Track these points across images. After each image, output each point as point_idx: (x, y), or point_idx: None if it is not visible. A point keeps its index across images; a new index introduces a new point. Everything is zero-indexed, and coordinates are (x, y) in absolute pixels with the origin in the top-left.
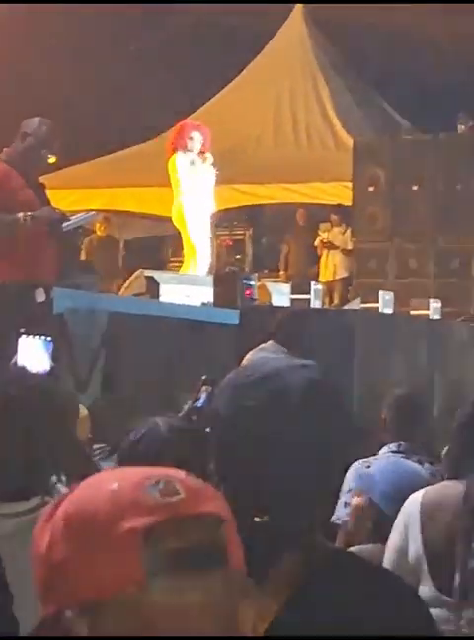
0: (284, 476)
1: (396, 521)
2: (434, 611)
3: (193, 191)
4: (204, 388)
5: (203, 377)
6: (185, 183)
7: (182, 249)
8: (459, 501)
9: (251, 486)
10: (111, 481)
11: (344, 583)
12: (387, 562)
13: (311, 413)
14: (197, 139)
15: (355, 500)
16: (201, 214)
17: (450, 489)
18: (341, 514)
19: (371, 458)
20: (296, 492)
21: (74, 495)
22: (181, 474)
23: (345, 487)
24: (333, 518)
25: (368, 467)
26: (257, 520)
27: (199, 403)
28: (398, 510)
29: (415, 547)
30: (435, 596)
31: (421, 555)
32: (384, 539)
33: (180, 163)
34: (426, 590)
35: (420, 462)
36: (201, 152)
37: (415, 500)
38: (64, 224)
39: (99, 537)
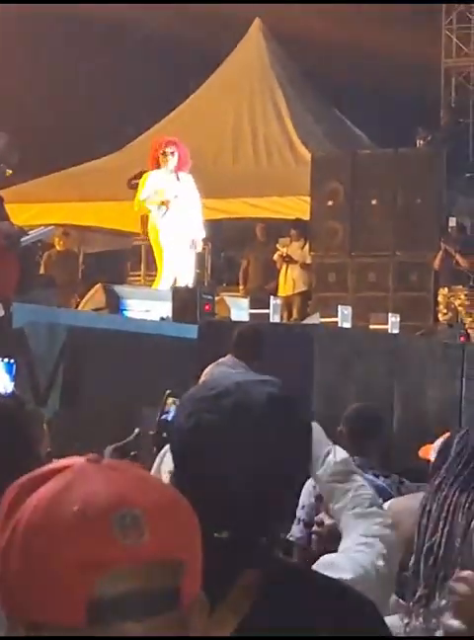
0: (244, 491)
1: None
2: (391, 619)
3: (171, 206)
4: (171, 400)
5: (168, 391)
6: (162, 199)
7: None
8: None
9: (210, 501)
10: (80, 497)
11: (301, 598)
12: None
13: (271, 428)
14: (168, 154)
15: (320, 518)
16: (179, 230)
17: (412, 500)
18: (294, 531)
19: None
20: (255, 507)
21: (40, 503)
22: (154, 493)
23: (299, 503)
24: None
25: None
26: (216, 535)
27: (169, 417)
28: None
29: None
30: (394, 601)
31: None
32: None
33: (153, 181)
34: (392, 600)
35: (375, 476)
36: (179, 169)
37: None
38: (23, 239)
39: (52, 562)
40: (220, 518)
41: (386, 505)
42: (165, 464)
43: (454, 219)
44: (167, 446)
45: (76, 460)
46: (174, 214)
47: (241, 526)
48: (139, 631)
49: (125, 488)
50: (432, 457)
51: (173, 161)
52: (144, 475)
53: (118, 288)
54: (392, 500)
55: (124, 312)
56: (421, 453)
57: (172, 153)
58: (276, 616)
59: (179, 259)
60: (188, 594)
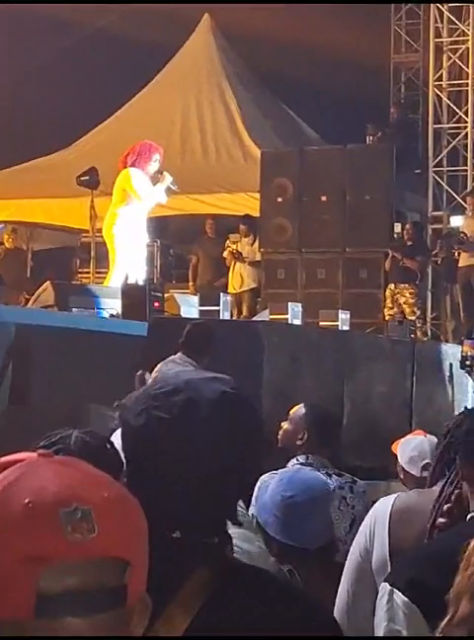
0: (194, 490)
1: (362, 525)
2: None
3: (137, 209)
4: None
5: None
6: (131, 198)
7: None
8: (429, 510)
9: (161, 500)
10: (29, 490)
11: (251, 596)
12: (350, 565)
13: (222, 425)
14: (156, 161)
15: None
16: (137, 231)
17: (424, 496)
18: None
19: (280, 471)
20: (206, 506)
21: None
22: (104, 491)
23: (253, 501)
24: None
25: None
26: (168, 534)
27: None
28: (294, 535)
29: (381, 551)
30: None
31: (386, 563)
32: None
33: (140, 182)
34: None
35: (328, 474)
36: (159, 172)
37: (386, 504)
38: None
39: (0, 556)
40: (171, 517)
41: (392, 497)
42: None
43: (399, 225)
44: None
45: (27, 455)
46: (135, 214)
47: (192, 526)
48: (83, 628)
49: (76, 484)
50: (398, 453)
51: (155, 167)
52: (95, 472)
53: (66, 286)
54: (400, 493)
55: (101, 311)
56: (393, 448)
57: (157, 161)
58: (227, 615)
59: (133, 259)
60: (133, 592)
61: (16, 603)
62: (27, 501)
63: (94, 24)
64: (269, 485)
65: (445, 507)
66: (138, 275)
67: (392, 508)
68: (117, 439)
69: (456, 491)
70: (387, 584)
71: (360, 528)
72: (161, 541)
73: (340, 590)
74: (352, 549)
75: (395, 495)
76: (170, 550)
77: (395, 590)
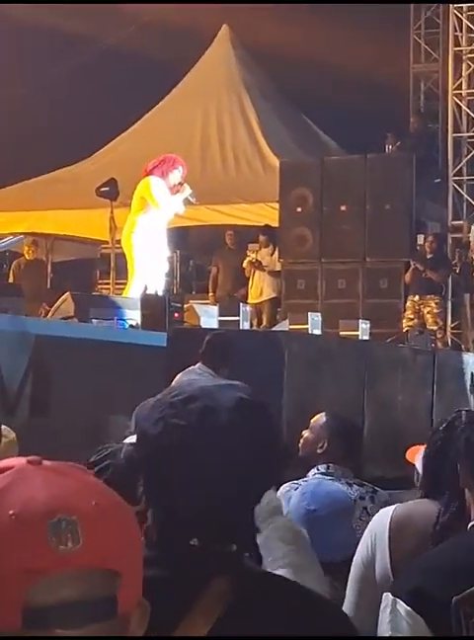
0: (212, 498)
1: (364, 536)
2: None
3: (156, 218)
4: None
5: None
6: (152, 209)
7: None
8: (429, 519)
9: (179, 508)
10: (16, 501)
11: (270, 605)
12: (353, 577)
13: (240, 431)
14: (179, 173)
15: None
16: (156, 241)
17: (421, 506)
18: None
19: (300, 480)
20: (224, 514)
21: None
22: (92, 499)
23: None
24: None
25: (296, 489)
26: (191, 542)
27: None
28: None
29: (382, 564)
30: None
31: (388, 574)
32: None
33: (159, 188)
34: None
35: (349, 484)
36: (180, 184)
37: (385, 514)
38: None
39: None
40: (189, 524)
41: (391, 508)
42: None
43: (422, 236)
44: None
45: (17, 462)
46: (154, 223)
47: (209, 533)
48: (79, 634)
49: (65, 492)
50: (416, 463)
51: (176, 178)
52: (86, 479)
53: (87, 297)
54: (399, 504)
55: (123, 323)
56: (408, 456)
57: (180, 173)
58: (247, 623)
59: (152, 268)
60: (125, 603)
61: (3, 616)
62: (11, 512)
63: (113, 37)
64: (291, 497)
65: (446, 516)
66: (158, 284)
67: (392, 518)
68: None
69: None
70: (390, 594)
71: (362, 539)
72: (179, 549)
73: (345, 602)
74: (354, 560)
75: (394, 505)
76: (188, 558)
77: (398, 599)
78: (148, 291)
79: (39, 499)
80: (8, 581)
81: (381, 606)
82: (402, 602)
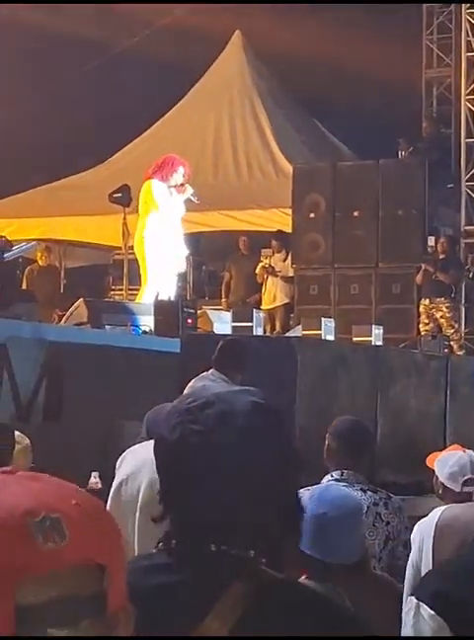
0: (230, 503)
1: (413, 537)
2: None
3: (163, 221)
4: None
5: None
6: (156, 211)
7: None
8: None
9: (197, 514)
10: None
11: (287, 611)
12: (407, 576)
13: (257, 435)
14: (180, 174)
15: None
16: (168, 244)
17: (469, 509)
18: None
19: (314, 487)
20: (242, 519)
21: None
22: (71, 498)
23: None
24: None
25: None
26: (209, 548)
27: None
28: (324, 551)
29: (426, 563)
30: None
31: None
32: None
33: (159, 191)
34: None
35: (363, 490)
36: (181, 184)
37: (433, 516)
38: (5, 254)
39: None
40: (207, 530)
41: (440, 509)
42: (120, 471)
43: (433, 238)
44: (124, 455)
45: None
46: (160, 226)
47: (228, 539)
48: (70, 632)
49: (44, 494)
50: (435, 467)
51: (178, 179)
52: (63, 483)
53: (99, 303)
54: (449, 505)
55: (137, 328)
56: (428, 462)
57: (182, 174)
58: (263, 628)
59: (163, 273)
60: (114, 598)
61: None
62: None
63: (126, 43)
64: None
65: None
66: (170, 288)
67: (438, 520)
68: (135, 453)
69: None
70: (414, 597)
71: (412, 540)
72: (196, 555)
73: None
74: (409, 564)
75: (444, 507)
76: (205, 564)
77: (421, 603)
78: (161, 297)
79: (19, 501)
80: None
81: (405, 609)
82: (425, 606)
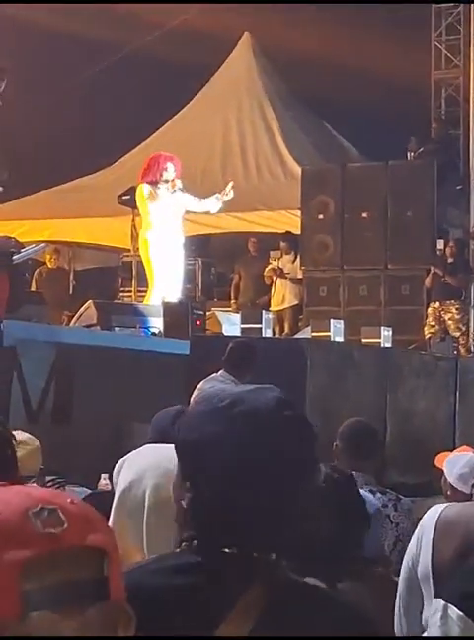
0: (257, 502)
1: (414, 535)
2: None
3: (160, 221)
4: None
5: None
6: (153, 213)
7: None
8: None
9: (223, 514)
10: None
11: (305, 615)
12: (402, 573)
13: (281, 433)
14: (170, 170)
15: None
16: (169, 244)
17: (469, 508)
18: None
19: None
20: (267, 519)
21: None
22: (66, 497)
23: None
24: None
25: None
26: (227, 550)
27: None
28: None
29: (424, 561)
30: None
31: (428, 570)
32: None
33: (149, 194)
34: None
35: (372, 492)
36: (172, 180)
37: (433, 514)
38: (15, 256)
39: None
40: (231, 531)
41: (440, 507)
42: (121, 479)
43: (442, 241)
44: (120, 463)
45: None
46: (164, 228)
47: (251, 541)
48: (72, 625)
49: (38, 494)
50: (444, 468)
51: (170, 175)
52: (54, 490)
53: (108, 305)
54: (449, 504)
55: (146, 330)
56: (436, 462)
57: (171, 169)
58: (281, 632)
59: (169, 273)
60: (115, 587)
61: (1, 603)
62: None
63: (134, 44)
64: None
65: None
66: (176, 288)
67: (439, 518)
68: (133, 460)
69: None
70: (441, 600)
71: (412, 539)
72: (217, 556)
73: (397, 599)
74: (404, 559)
75: (445, 505)
76: (226, 565)
77: (450, 605)
78: (168, 298)
79: (16, 498)
80: (3, 568)
81: (431, 611)
82: (454, 607)
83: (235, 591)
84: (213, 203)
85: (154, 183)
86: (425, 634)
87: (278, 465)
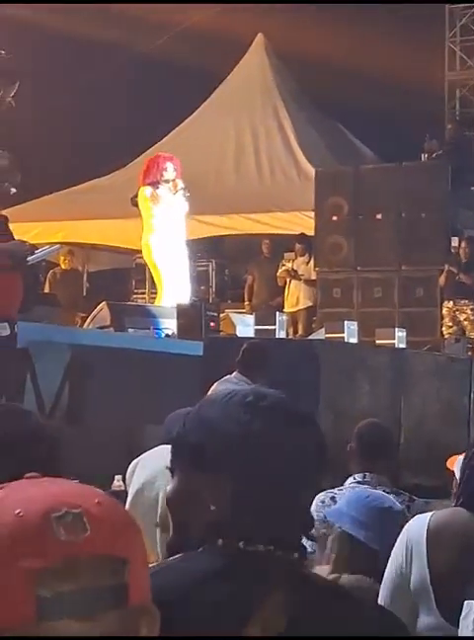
0: (282, 499)
1: (396, 546)
2: None
3: (164, 223)
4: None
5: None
6: (156, 216)
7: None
8: (468, 529)
9: (250, 513)
10: (17, 503)
11: (334, 614)
12: (387, 586)
13: (308, 433)
14: (170, 170)
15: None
16: (173, 245)
17: (459, 515)
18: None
19: (335, 489)
20: (290, 517)
21: None
22: (93, 497)
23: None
24: None
25: (332, 498)
26: (250, 549)
27: None
28: (371, 536)
29: (419, 574)
30: (443, 626)
31: (426, 584)
32: (362, 568)
33: (152, 196)
34: (432, 620)
35: (385, 493)
36: (173, 181)
37: (421, 523)
38: (29, 258)
39: None
40: (256, 530)
41: (426, 516)
42: (135, 480)
43: (457, 239)
44: (134, 464)
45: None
46: (166, 229)
47: (277, 540)
48: (88, 630)
49: (64, 493)
50: (455, 470)
51: (170, 175)
52: (83, 485)
53: (122, 306)
54: (435, 512)
55: (160, 331)
56: (448, 464)
57: (171, 169)
58: (311, 632)
59: (176, 274)
60: (136, 592)
61: (16, 610)
62: (17, 511)
63: (147, 46)
64: (345, 495)
65: None
66: (185, 290)
67: (429, 527)
68: (146, 461)
69: None
70: (472, 602)
71: (396, 547)
72: (243, 555)
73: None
74: (387, 570)
75: (429, 514)
76: (252, 565)
77: None
78: (179, 299)
79: (40, 498)
80: (18, 573)
81: (463, 614)
82: None
83: (262, 590)
84: (178, 203)
85: (155, 184)
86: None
87: (302, 461)
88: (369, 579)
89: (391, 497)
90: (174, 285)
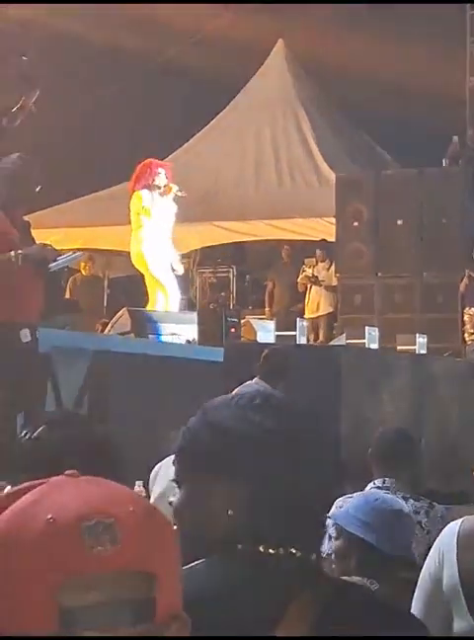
0: (299, 502)
1: (431, 551)
2: None
3: (156, 227)
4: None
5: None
6: (146, 224)
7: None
8: None
9: (267, 515)
10: (51, 507)
11: (359, 616)
12: (420, 592)
13: (323, 433)
14: (162, 176)
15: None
16: (165, 250)
17: None
18: (326, 547)
19: (355, 494)
20: (307, 519)
21: (12, 515)
22: (127, 504)
23: (330, 520)
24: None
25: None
26: (271, 552)
27: None
28: (378, 538)
29: (451, 578)
30: None
31: (457, 588)
32: (370, 571)
33: (145, 200)
34: (464, 625)
35: (405, 498)
36: (166, 185)
37: (452, 529)
38: (51, 265)
39: (21, 574)
40: (275, 532)
41: (458, 521)
42: (157, 485)
43: None
44: (156, 468)
45: (55, 477)
46: (155, 234)
47: (296, 541)
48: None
49: (99, 499)
50: None
51: (162, 181)
52: (121, 487)
53: (143, 312)
54: (466, 517)
55: (159, 336)
56: (473, 470)
57: (163, 174)
58: (337, 634)
59: (169, 278)
60: (164, 607)
61: (39, 619)
62: (49, 516)
63: (166, 53)
64: (353, 498)
65: None
66: (175, 292)
67: (459, 532)
68: (167, 467)
69: None
70: None
71: (430, 554)
72: (261, 560)
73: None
74: (421, 575)
75: (462, 519)
76: (273, 567)
77: None
78: (170, 307)
79: (73, 504)
80: (44, 582)
81: None
82: None
83: (285, 594)
84: (171, 206)
85: (147, 188)
86: None
87: (316, 460)
88: (365, 579)
89: (411, 502)
90: (172, 288)
